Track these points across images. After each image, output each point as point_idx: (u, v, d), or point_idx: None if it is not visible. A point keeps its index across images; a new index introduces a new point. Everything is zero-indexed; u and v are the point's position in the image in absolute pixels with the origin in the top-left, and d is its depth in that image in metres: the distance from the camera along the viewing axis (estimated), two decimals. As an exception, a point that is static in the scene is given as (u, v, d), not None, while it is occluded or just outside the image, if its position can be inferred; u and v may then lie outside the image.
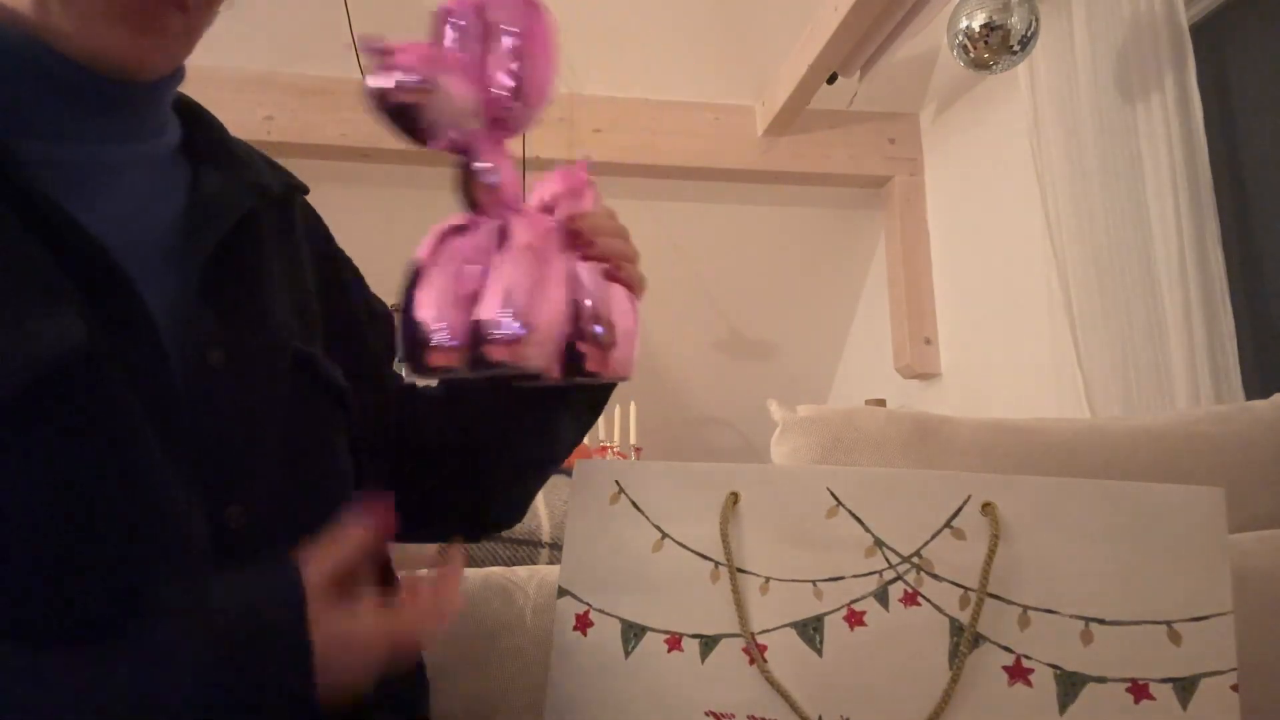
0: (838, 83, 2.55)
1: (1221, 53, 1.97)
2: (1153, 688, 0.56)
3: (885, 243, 3.04)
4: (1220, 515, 0.59)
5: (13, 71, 0.54)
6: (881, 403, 2.80)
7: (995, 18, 1.90)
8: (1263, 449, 1.18)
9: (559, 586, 0.66)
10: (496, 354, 0.54)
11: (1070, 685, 0.56)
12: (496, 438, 0.70)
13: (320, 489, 0.61)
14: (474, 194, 0.60)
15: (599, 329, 0.60)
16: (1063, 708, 0.56)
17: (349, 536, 0.53)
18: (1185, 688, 0.57)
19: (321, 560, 0.51)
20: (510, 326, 0.54)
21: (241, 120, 2.54)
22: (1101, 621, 0.57)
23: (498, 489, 0.73)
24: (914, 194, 2.93)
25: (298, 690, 0.47)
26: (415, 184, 2.84)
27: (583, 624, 0.65)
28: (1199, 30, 1.93)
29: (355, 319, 0.73)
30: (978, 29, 1.92)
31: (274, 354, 0.60)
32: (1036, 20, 1.92)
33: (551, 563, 0.95)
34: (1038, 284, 2.17)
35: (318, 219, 0.75)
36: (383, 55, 0.57)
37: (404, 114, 0.58)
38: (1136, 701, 0.56)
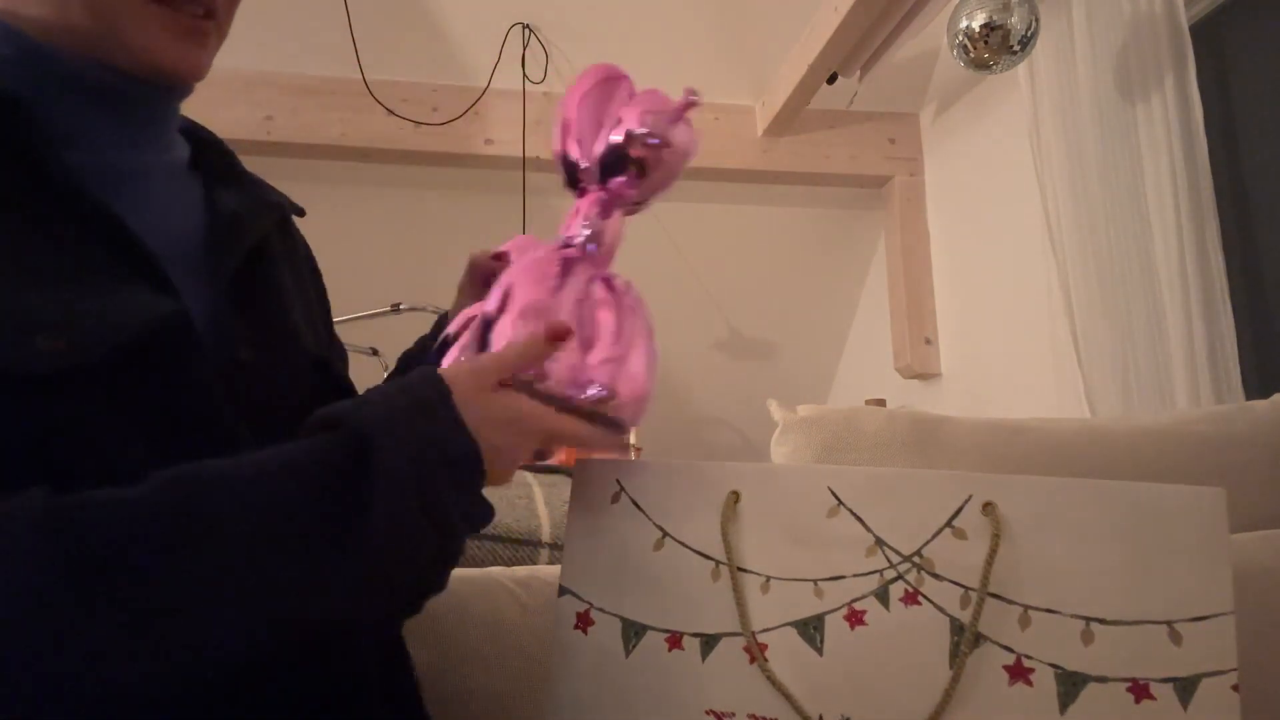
0: (838, 83, 2.56)
1: (1221, 53, 1.97)
2: (1153, 687, 0.56)
3: (885, 243, 3.04)
4: (1222, 516, 0.59)
5: (57, 80, 0.56)
6: (881, 403, 2.80)
7: (995, 18, 1.90)
8: (1263, 449, 1.18)
9: (560, 585, 0.66)
10: (630, 412, 0.59)
11: (1071, 685, 0.56)
12: None
13: None
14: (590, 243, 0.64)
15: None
16: (1063, 708, 0.56)
17: (511, 347, 0.57)
18: (1185, 688, 0.57)
19: (478, 361, 0.56)
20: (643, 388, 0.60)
21: (241, 120, 2.54)
22: (1102, 621, 0.57)
23: None
24: (914, 194, 2.93)
25: (466, 453, 0.51)
26: (414, 184, 2.84)
27: (583, 622, 0.65)
28: (1199, 30, 1.93)
29: (331, 340, 0.77)
30: (978, 29, 1.92)
31: (297, 355, 0.64)
32: (1036, 20, 1.92)
33: (552, 563, 0.95)
34: (1038, 284, 2.17)
35: (306, 242, 0.79)
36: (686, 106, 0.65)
37: (622, 164, 0.65)
38: (1137, 701, 0.56)
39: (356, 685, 0.59)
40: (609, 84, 0.68)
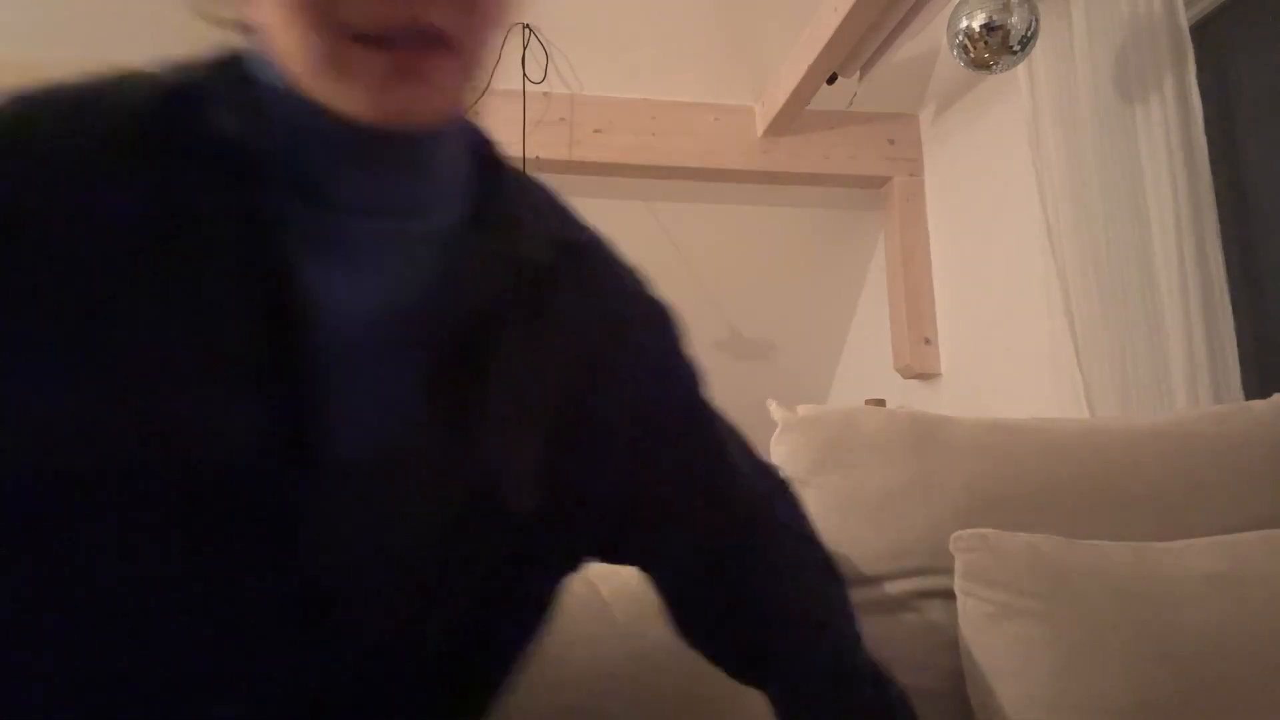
0: (838, 83, 2.55)
1: (1221, 53, 1.97)
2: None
3: (885, 243, 3.04)
4: None
5: (278, 124, 0.51)
6: (881, 403, 2.80)
7: (995, 18, 1.90)
8: (1263, 449, 1.18)
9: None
10: None
11: None
12: None
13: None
14: None
15: None
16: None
17: None
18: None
19: None
20: None
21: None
22: None
23: None
24: (914, 194, 2.93)
25: None
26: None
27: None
28: (1199, 30, 1.93)
29: (623, 429, 0.63)
30: (978, 29, 1.92)
31: (480, 508, 0.54)
32: (1036, 20, 1.92)
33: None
34: (1038, 284, 2.17)
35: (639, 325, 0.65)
36: None
37: None
38: None
39: None
40: None
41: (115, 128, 0.49)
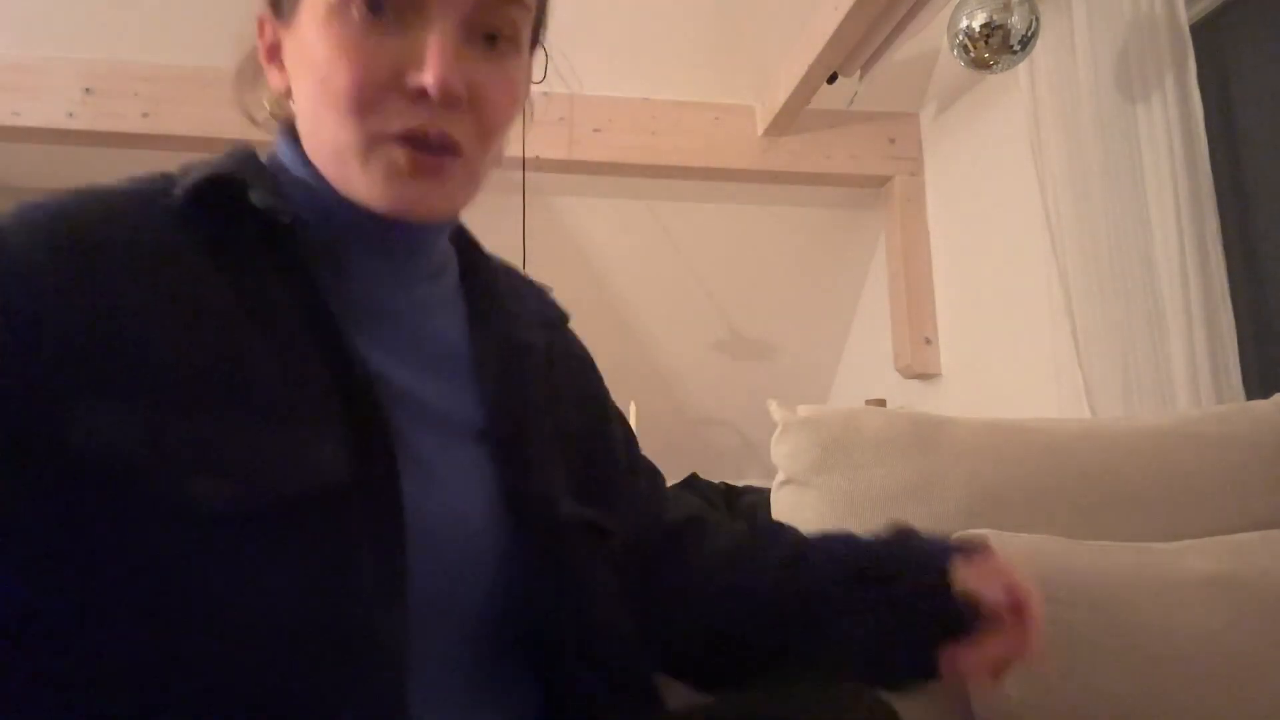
0: (838, 83, 2.55)
1: (1221, 53, 1.97)
2: None
3: (885, 243, 3.04)
4: None
5: (328, 214, 0.59)
6: (881, 403, 2.80)
7: (995, 17, 1.90)
8: (1263, 449, 1.18)
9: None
10: None
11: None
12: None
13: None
14: None
15: None
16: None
17: None
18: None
19: None
20: None
21: (242, 120, 2.54)
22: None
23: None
24: (914, 194, 2.93)
25: None
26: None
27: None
28: (1199, 30, 1.93)
29: (610, 474, 0.72)
30: (978, 29, 1.92)
31: (547, 520, 0.61)
32: (1037, 20, 1.92)
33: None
34: (1038, 284, 2.17)
35: (583, 352, 0.77)
36: None
37: None
38: None
39: None
40: None
41: (172, 211, 0.55)
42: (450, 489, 0.57)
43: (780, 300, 3.25)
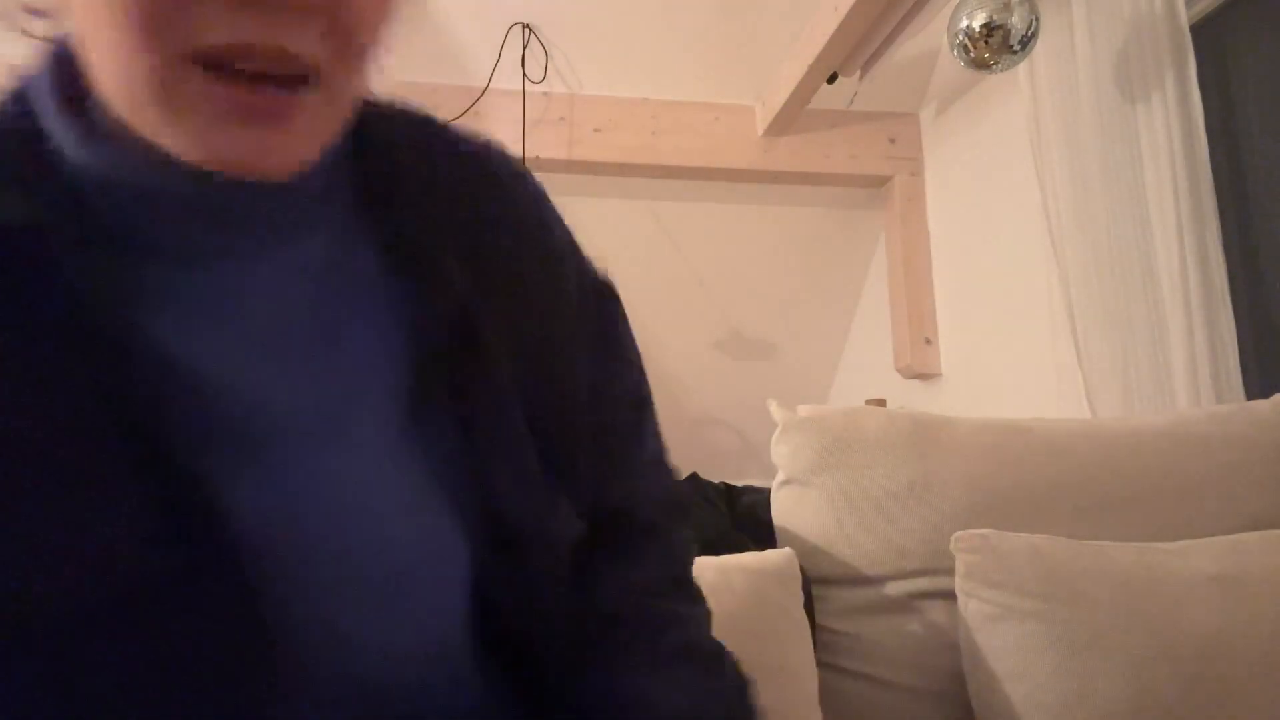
0: (838, 83, 2.55)
1: (1221, 53, 1.97)
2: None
3: (885, 243, 3.04)
4: None
5: (122, 186, 0.43)
6: (881, 403, 2.80)
7: (995, 17, 1.90)
8: (1263, 449, 1.18)
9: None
10: None
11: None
12: None
13: None
14: None
15: None
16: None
17: None
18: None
19: None
20: None
21: None
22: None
23: None
24: (914, 194, 2.93)
25: None
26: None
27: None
28: (1199, 30, 1.93)
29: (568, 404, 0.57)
30: (978, 29, 1.92)
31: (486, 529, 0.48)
32: (1037, 20, 1.92)
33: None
34: (1038, 284, 2.17)
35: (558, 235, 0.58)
36: None
37: None
38: None
39: None
40: None
41: None
42: (349, 506, 0.44)
43: (780, 300, 3.25)
